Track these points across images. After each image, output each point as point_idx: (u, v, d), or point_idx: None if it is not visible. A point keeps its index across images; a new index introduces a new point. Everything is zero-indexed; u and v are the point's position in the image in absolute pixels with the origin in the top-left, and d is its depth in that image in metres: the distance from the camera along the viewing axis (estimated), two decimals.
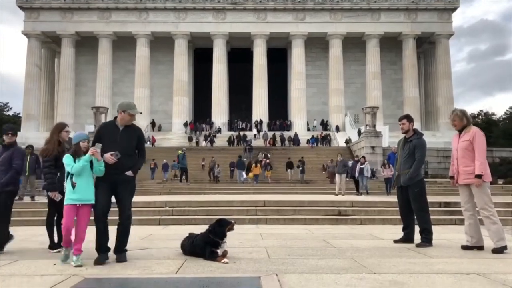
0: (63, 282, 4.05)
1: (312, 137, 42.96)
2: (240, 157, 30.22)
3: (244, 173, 28.51)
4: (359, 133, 39.33)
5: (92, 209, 5.47)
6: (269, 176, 29.70)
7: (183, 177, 26.67)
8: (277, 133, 44.46)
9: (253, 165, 28.20)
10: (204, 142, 43.03)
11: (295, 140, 42.47)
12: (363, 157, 22.22)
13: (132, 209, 11.70)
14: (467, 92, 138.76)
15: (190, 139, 43.27)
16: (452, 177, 6.38)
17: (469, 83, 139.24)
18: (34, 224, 10.28)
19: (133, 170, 5.50)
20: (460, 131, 6.21)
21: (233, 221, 5.59)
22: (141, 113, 6.11)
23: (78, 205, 5.28)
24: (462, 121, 6.17)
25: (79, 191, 5.26)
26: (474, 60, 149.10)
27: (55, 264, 4.95)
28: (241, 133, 44.69)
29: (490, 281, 4.10)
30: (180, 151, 28.09)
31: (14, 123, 60.12)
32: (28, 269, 4.72)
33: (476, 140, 6.00)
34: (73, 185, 5.26)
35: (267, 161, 31.10)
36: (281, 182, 28.91)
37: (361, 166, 20.39)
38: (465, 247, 6.11)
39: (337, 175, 20.62)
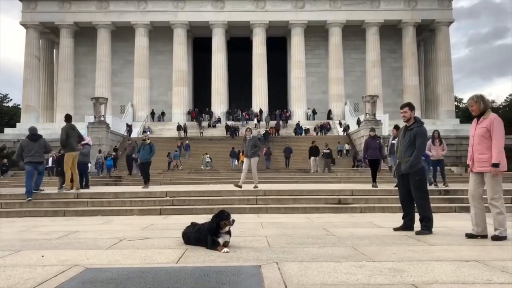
0: (64, 272, 4.07)
1: (299, 127, 43.26)
2: (233, 148, 32.06)
3: (236, 161, 31.47)
4: (358, 122, 39.50)
5: None
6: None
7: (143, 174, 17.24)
8: (279, 123, 44.78)
9: (241, 153, 30.46)
10: (203, 129, 42.53)
11: (298, 129, 42.86)
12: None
13: (133, 199, 11.88)
14: (466, 78, 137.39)
15: (178, 128, 42.05)
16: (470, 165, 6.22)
17: (467, 68, 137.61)
18: (35, 215, 10.33)
19: None
20: (479, 117, 6.01)
21: (231, 219, 5.30)
22: None
23: None
24: (479, 105, 5.95)
25: None
26: (472, 43, 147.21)
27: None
28: (232, 123, 44.47)
29: (490, 268, 4.12)
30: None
31: (14, 115, 60.16)
32: (30, 260, 4.74)
33: (494, 128, 5.81)
34: None
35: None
36: (281, 171, 29.00)
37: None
38: (469, 235, 6.06)
39: (245, 160, 14.55)
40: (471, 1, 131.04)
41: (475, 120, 6.08)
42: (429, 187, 12.56)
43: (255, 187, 13.51)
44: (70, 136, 12.85)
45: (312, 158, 27.79)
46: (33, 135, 12.09)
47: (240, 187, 13.23)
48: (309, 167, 28.25)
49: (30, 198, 11.43)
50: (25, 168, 12.01)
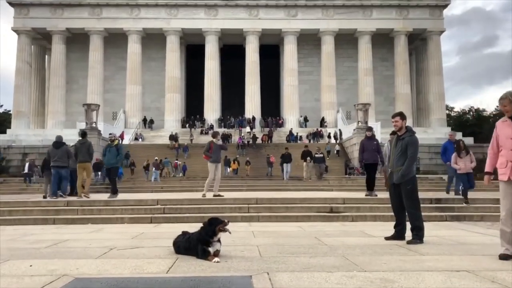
0: (53, 283, 4.02)
1: (291, 134, 43.53)
2: (226, 156, 32.69)
3: (228, 168, 33.26)
4: (341, 133, 40.28)
5: None
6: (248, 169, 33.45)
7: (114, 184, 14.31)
8: (271, 129, 45.05)
9: (232, 162, 33.47)
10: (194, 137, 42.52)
11: (290, 136, 43.07)
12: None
13: (124, 207, 11.80)
14: (456, 86, 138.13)
15: (171, 137, 41.03)
16: (489, 173, 5.49)
17: (458, 76, 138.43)
18: (25, 223, 10.21)
19: None
20: None
21: (226, 220, 5.36)
22: None
23: None
24: None
25: None
26: (463, 51, 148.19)
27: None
28: (227, 131, 44.68)
29: (480, 278, 4.13)
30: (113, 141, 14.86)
31: (4, 121, 59.66)
32: (18, 270, 4.68)
33: None
34: None
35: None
36: (273, 179, 29.13)
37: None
38: (503, 256, 5.14)
39: (209, 165, 13.48)
40: (462, 9, 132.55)
41: (508, 122, 5.36)
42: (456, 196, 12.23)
43: (216, 195, 13.21)
44: (78, 149, 14.31)
45: (305, 163, 27.30)
46: (56, 142, 14.15)
47: (204, 196, 13.12)
48: (302, 174, 28.08)
49: (55, 197, 13.30)
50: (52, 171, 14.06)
